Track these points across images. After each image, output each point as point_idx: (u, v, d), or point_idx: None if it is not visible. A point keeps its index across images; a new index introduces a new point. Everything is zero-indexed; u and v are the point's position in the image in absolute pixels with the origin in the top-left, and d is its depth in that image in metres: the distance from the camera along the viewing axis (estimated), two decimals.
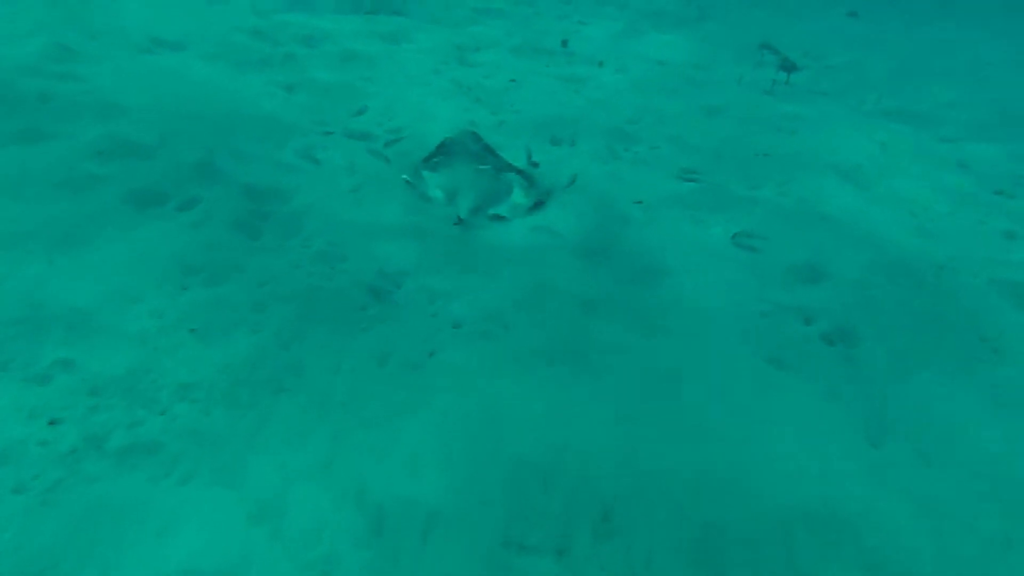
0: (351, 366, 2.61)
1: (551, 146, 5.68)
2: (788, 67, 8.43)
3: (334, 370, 2.57)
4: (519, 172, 4.79)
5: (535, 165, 4.74)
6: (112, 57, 5.25)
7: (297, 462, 2.06)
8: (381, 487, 1.99)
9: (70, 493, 1.79)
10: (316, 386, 2.45)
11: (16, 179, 3.28)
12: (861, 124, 6.81)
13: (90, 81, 4.62)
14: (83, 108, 4.17)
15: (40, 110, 4.02)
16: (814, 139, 6.41)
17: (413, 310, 3.13)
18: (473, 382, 2.65)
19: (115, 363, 2.29)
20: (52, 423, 2.02)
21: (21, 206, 3.02)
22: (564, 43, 9.27)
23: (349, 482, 1.97)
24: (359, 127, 5.35)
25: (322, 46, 7.52)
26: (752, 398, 2.80)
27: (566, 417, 2.52)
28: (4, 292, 2.52)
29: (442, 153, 4.80)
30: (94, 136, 3.69)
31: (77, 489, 1.80)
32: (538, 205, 4.46)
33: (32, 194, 3.21)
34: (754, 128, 6.71)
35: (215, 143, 4.18)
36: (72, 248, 2.81)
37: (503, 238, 3.97)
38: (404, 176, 4.46)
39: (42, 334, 2.35)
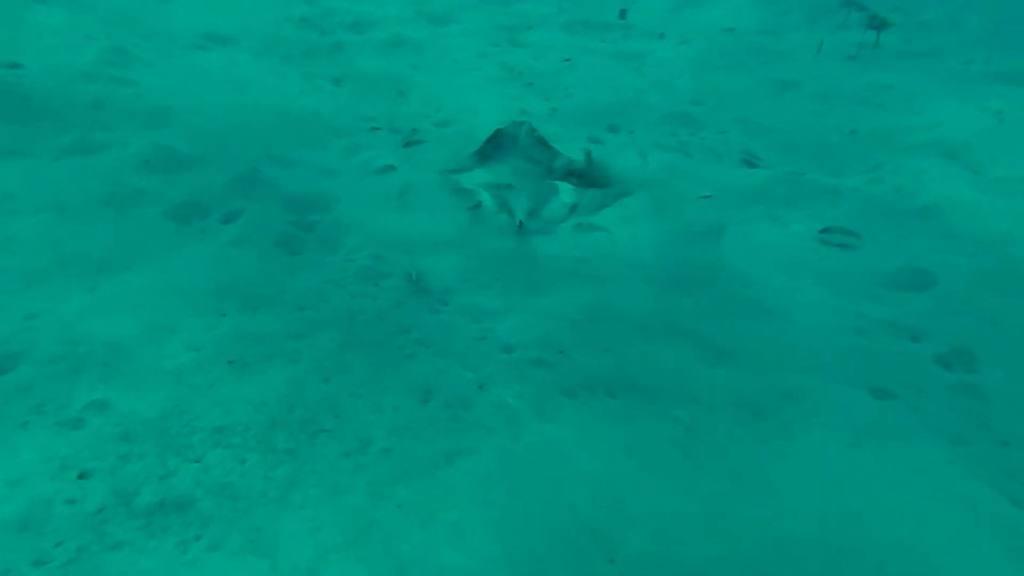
0: (393, 403, 2.40)
1: (609, 134, 5.26)
2: (877, 24, 7.51)
3: (375, 407, 2.37)
4: (573, 167, 4.43)
5: (591, 162, 4.38)
6: (164, 57, 5.22)
7: (333, 526, 1.87)
8: (423, 561, 1.78)
9: (92, 563, 1.66)
10: (356, 428, 2.26)
11: (66, 196, 3.24)
12: (967, 91, 5.95)
13: (142, 84, 4.59)
14: (133, 114, 4.13)
15: (93, 118, 4.00)
16: (909, 112, 5.67)
17: (460, 333, 2.89)
18: (526, 422, 2.39)
19: (150, 404, 2.17)
20: (81, 476, 1.91)
21: (69, 227, 2.97)
22: (622, 14, 8.67)
23: (388, 557, 1.76)
24: (405, 122, 5.12)
25: (370, 32, 7.32)
26: (858, 444, 2.40)
27: (634, 468, 2.23)
28: (46, 326, 2.45)
29: (491, 148, 4.50)
30: (141, 147, 3.63)
31: (100, 559, 1.68)
32: (594, 206, 4.10)
33: (79, 213, 3.16)
34: (836, 103, 6.02)
35: (259, 149, 4.05)
36: (113, 274, 2.72)
37: (556, 247, 3.65)
38: (448, 177, 4.20)
39: (79, 373, 2.26)
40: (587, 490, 2.12)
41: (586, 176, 4.38)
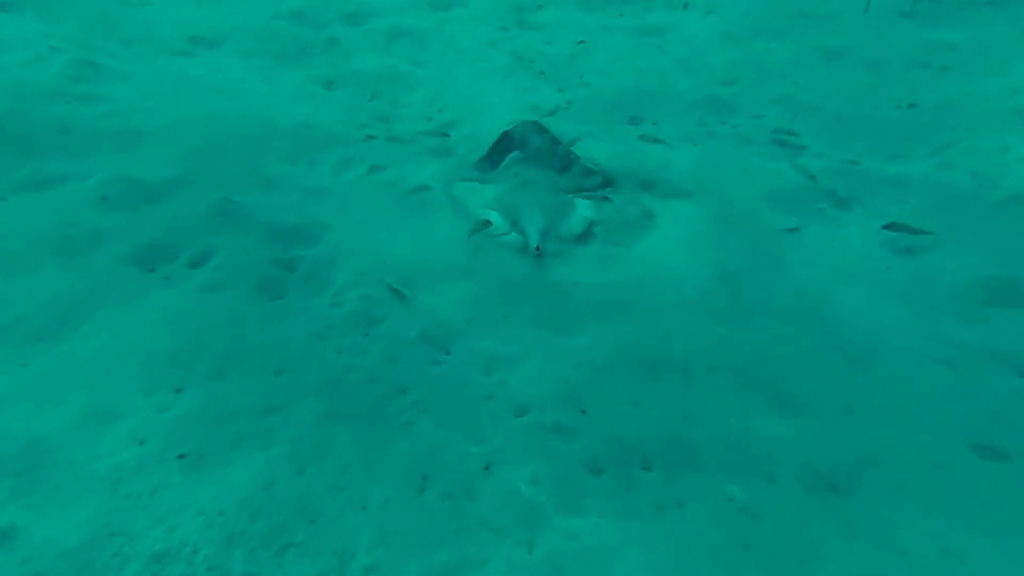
0: (383, 496, 1.98)
1: (630, 127, 4.70)
2: None
3: (360, 504, 1.96)
4: (591, 171, 3.91)
5: (595, 173, 3.89)
6: (142, 67, 4.81)
7: None
8: None
9: None
10: (334, 537, 1.85)
11: (9, 243, 2.86)
12: None
13: (115, 101, 4.18)
14: (103, 137, 3.74)
15: (58, 144, 3.63)
16: (981, 75, 4.91)
17: (465, 390, 2.45)
18: (543, 518, 1.94)
19: (72, 527, 1.78)
20: None
21: (8, 284, 2.61)
22: None
23: None
24: (405, 127, 4.65)
25: (367, 23, 6.80)
26: (967, 535, 1.90)
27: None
28: None
29: (498, 154, 4.01)
30: (102, 178, 3.24)
31: None
32: (619, 219, 3.58)
33: (22, 263, 2.77)
34: (890, 71, 5.30)
35: (240, 172, 3.64)
36: (53, 343, 2.35)
37: (576, 271, 3.16)
38: (451, 191, 3.73)
39: None
40: None
41: (602, 180, 3.86)
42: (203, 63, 5.01)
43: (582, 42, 6.25)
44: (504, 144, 4.01)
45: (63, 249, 2.78)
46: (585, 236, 3.46)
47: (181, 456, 1.96)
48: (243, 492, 1.91)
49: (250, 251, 3.04)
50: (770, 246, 3.26)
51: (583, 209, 3.61)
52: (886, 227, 3.35)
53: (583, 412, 2.35)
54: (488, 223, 3.43)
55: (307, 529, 1.86)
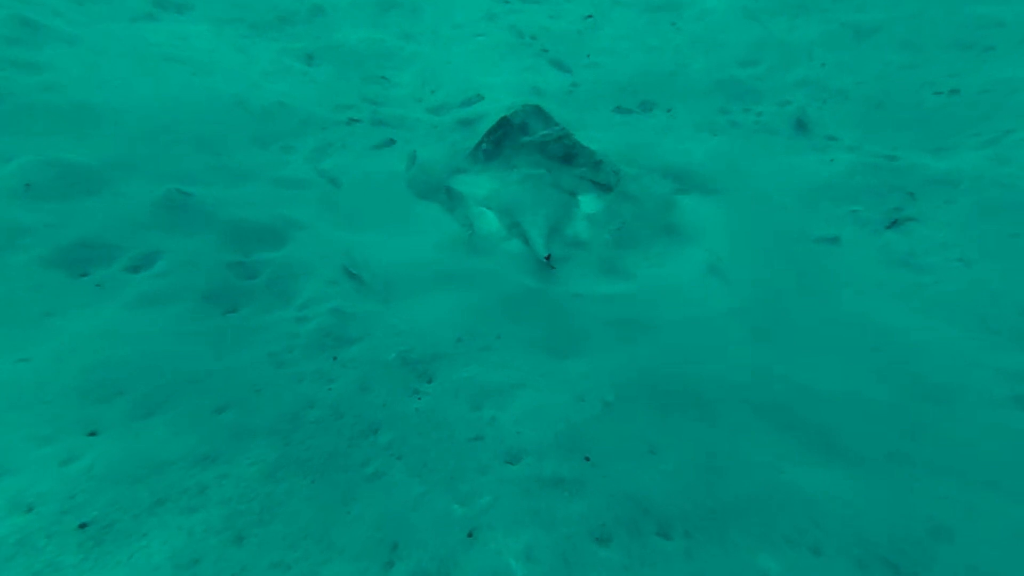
0: None
1: (642, 114, 4.25)
2: None
3: None
4: (599, 164, 3.48)
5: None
6: (94, 31, 4.28)
7: None
8: None
9: None
10: None
11: None
12: None
13: (54, 70, 3.65)
14: (35, 113, 3.26)
15: None
16: None
17: (448, 427, 2.05)
18: None
19: None
20: None
21: None
22: None
23: None
24: (393, 109, 4.19)
25: None
26: None
27: None
28: None
29: (494, 143, 3.57)
30: (28, 162, 2.79)
31: None
32: (632, 221, 3.15)
33: None
34: (929, 50, 4.81)
35: (198, 158, 3.19)
36: None
37: (581, 282, 2.75)
38: (443, 186, 3.30)
39: None
40: None
41: (611, 175, 3.42)
42: (166, 29, 4.51)
43: (590, 17, 5.75)
44: (502, 131, 3.56)
45: None
46: (592, 240, 3.04)
47: (82, 526, 1.57)
48: (158, 575, 1.52)
49: (204, 254, 2.62)
50: (806, 257, 2.84)
51: (589, 209, 3.18)
52: (930, 237, 2.93)
53: (587, 459, 1.96)
54: (481, 225, 3.00)
55: None
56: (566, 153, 3.58)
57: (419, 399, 2.17)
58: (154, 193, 2.79)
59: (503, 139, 3.55)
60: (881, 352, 2.34)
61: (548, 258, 2.75)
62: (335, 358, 2.27)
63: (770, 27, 5.39)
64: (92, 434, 1.81)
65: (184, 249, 2.61)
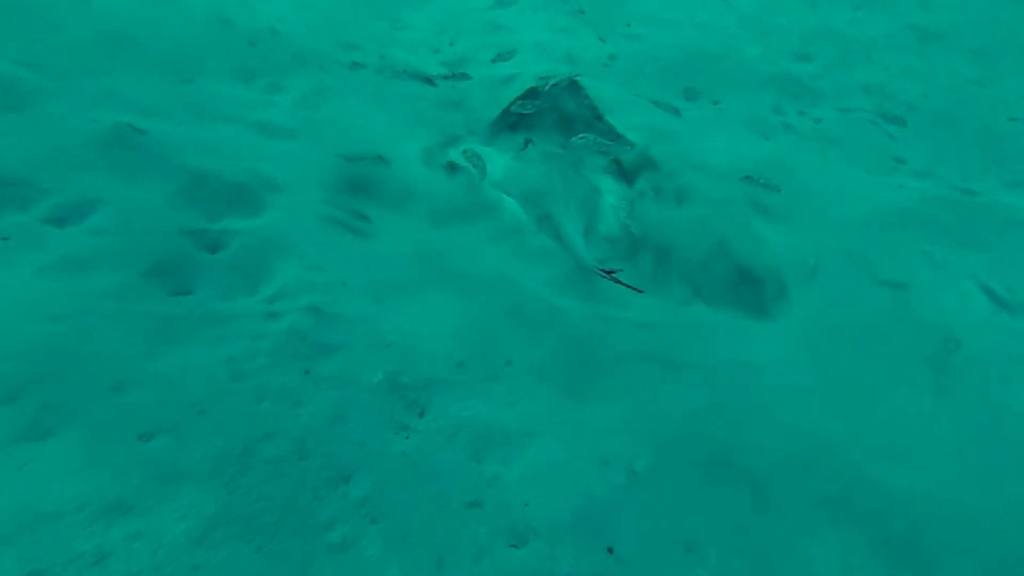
0: None
1: (685, 101, 3.74)
2: None
3: None
4: (635, 159, 3.00)
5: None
6: None
7: None
8: None
9: None
10: None
11: None
12: None
13: None
14: None
15: None
16: None
17: (440, 483, 1.64)
18: None
19: None
20: None
21: None
22: None
23: None
24: (403, 56, 3.60)
25: None
26: None
27: None
28: None
29: (517, 115, 3.05)
30: None
31: None
32: (656, 219, 2.71)
33: None
34: (1005, 62, 4.37)
35: (160, 84, 2.62)
36: None
37: (610, 301, 2.32)
38: (454, 158, 2.78)
39: None
40: None
41: (642, 163, 2.95)
42: None
43: None
44: (530, 103, 3.05)
45: None
46: (624, 247, 2.60)
47: None
48: None
49: (154, 211, 2.09)
50: (872, 303, 2.44)
51: (623, 210, 2.73)
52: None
53: (611, 552, 1.57)
54: (502, 212, 2.52)
55: None
56: (600, 139, 3.09)
57: (407, 438, 1.74)
58: (98, 123, 2.22)
59: (531, 112, 3.04)
60: (989, 448, 1.98)
61: (608, 272, 2.29)
62: (307, 372, 1.81)
63: (828, 17, 4.87)
64: None
65: (129, 202, 2.08)
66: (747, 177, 2.99)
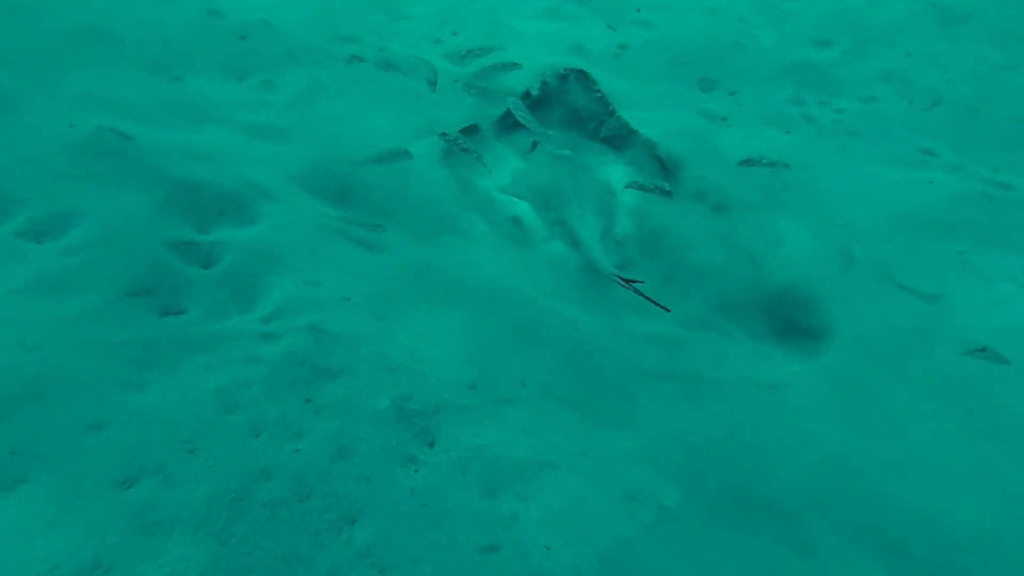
0: None
1: (700, 92, 3.57)
2: None
3: None
4: (650, 156, 2.83)
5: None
6: None
7: None
8: None
9: None
10: None
11: None
12: None
13: None
14: None
15: None
16: None
17: (450, 525, 1.50)
18: None
19: None
20: None
21: None
22: None
23: None
24: (404, 48, 3.42)
25: None
26: None
27: None
28: None
29: (527, 110, 2.88)
30: None
31: None
32: (678, 225, 2.55)
33: None
34: None
35: (147, 84, 2.45)
36: None
37: (627, 314, 2.17)
38: (459, 161, 2.61)
39: None
40: None
41: (660, 165, 2.78)
42: None
43: None
44: (538, 98, 2.87)
45: None
46: (640, 252, 2.44)
47: None
48: None
49: (139, 224, 1.94)
50: (907, 312, 2.28)
51: (638, 212, 2.57)
52: None
53: None
54: (516, 219, 2.37)
55: None
56: (612, 135, 2.92)
57: (415, 472, 1.60)
58: (77, 127, 2.06)
59: (538, 108, 2.87)
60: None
61: (627, 281, 2.13)
62: (309, 400, 1.67)
63: (845, 1, 4.65)
64: None
65: (112, 214, 1.92)
66: (768, 174, 2.83)
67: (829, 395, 1.97)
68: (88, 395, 1.49)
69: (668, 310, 2.01)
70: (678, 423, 1.86)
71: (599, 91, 2.97)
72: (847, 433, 1.87)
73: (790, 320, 2.21)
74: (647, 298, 2.06)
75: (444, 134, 2.64)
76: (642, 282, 2.12)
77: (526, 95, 2.88)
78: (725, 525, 1.59)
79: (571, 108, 2.95)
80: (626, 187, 2.70)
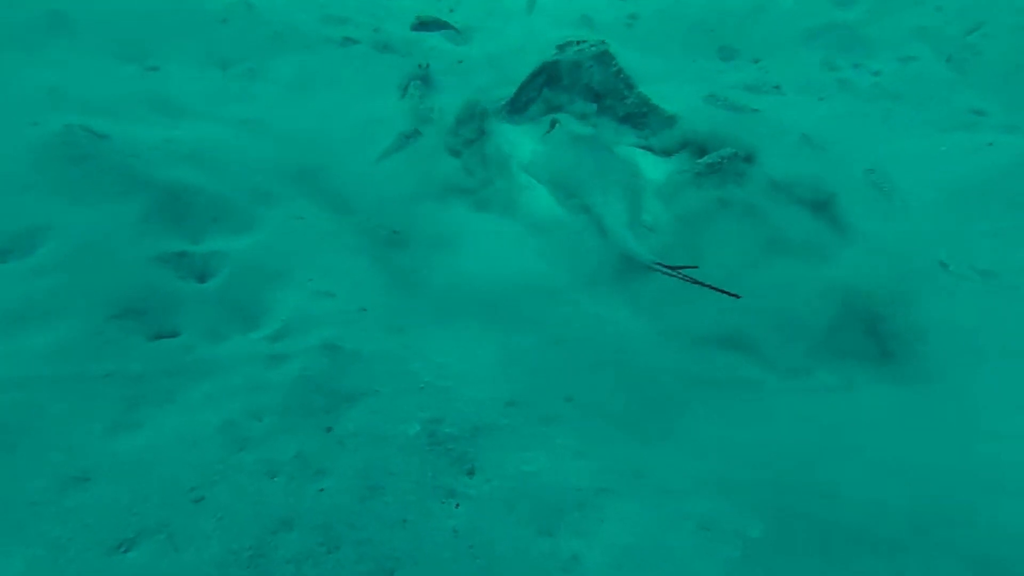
0: None
1: (721, 63, 3.31)
2: None
3: None
4: (676, 135, 2.59)
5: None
6: None
7: None
8: None
9: None
10: None
11: None
12: None
13: None
14: None
15: None
16: None
17: (500, 573, 1.28)
18: None
19: None
20: None
21: None
22: None
23: None
24: (400, 29, 3.14)
25: None
26: None
27: None
28: None
29: (536, 87, 2.64)
30: None
31: None
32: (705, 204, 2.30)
33: None
34: None
35: (122, 74, 2.19)
36: None
37: (668, 309, 1.94)
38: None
39: None
40: None
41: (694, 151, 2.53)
42: None
43: None
44: (549, 76, 2.62)
45: None
46: (671, 237, 2.21)
47: None
48: None
49: (119, 235, 1.70)
50: (989, 302, 2.06)
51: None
52: None
53: None
54: (534, 206, 2.13)
55: None
56: (632, 112, 2.67)
57: (456, 506, 1.38)
58: (41, 126, 1.81)
59: (550, 86, 2.62)
60: None
61: (679, 268, 1.89)
62: (330, 430, 1.45)
63: None
64: None
65: (88, 226, 1.68)
66: (806, 146, 2.59)
67: (906, 401, 1.76)
68: (69, 444, 1.26)
69: (738, 296, 1.77)
70: (739, 437, 1.65)
71: (617, 65, 2.71)
72: (932, 449, 1.65)
73: (868, 319, 1.96)
74: (708, 286, 1.83)
75: (452, 117, 2.40)
76: (695, 267, 1.88)
77: (536, 73, 2.62)
78: (818, 559, 1.37)
79: (587, 85, 2.70)
80: (651, 167, 2.47)
